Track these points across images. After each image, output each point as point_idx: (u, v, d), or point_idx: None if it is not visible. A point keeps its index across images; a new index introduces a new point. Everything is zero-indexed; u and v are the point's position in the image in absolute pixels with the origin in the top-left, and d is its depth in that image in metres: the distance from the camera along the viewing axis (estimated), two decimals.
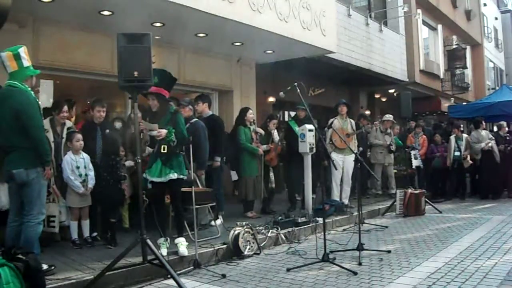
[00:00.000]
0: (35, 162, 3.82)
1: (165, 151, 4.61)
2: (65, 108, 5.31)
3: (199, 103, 6.57)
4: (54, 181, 5.01)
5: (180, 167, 4.71)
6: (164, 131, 4.54)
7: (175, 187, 4.75)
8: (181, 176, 4.71)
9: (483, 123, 10.07)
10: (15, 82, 3.80)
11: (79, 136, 5.10)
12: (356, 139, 7.80)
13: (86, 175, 5.07)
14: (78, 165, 5.01)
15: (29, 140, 3.77)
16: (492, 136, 9.77)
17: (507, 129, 10.12)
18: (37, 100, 3.91)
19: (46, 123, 5.19)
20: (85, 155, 5.13)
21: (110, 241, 5.04)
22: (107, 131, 5.51)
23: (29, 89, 3.86)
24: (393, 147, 9.48)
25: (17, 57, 3.79)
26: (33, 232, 3.83)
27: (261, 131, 7.13)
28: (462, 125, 10.70)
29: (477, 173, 10.09)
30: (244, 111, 7.06)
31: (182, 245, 4.65)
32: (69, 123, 5.43)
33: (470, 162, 9.66)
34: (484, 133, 9.88)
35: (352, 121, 7.83)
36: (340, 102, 7.78)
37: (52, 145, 5.13)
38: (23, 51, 3.83)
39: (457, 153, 9.68)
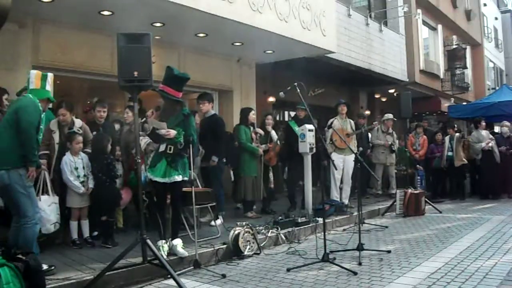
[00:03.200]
0: (18, 163, 3.74)
1: (171, 151, 4.59)
2: (61, 110, 5.18)
3: (205, 103, 6.50)
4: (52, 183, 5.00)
5: (184, 169, 4.69)
6: (173, 132, 4.52)
7: (177, 189, 4.74)
8: (185, 178, 4.71)
9: (483, 123, 10.03)
10: (30, 95, 3.93)
11: (80, 138, 5.07)
12: (355, 139, 7.81)
13: (85, 175, 5.06)
14: (76, 166, 5.00)
15: (14, 139, 3.74)
16: (492, 136, 9.74)
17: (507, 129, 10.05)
18: (42, 114, 4.00)
19: (54, 124, 5.19)
20: (83, 155, 5.12)
21: (107, 241, 5.03)
22: (95, 133, 5.48)
23: (39, 104, 3.94)
24: (394, 147, 9.49)
25: (43, 78, 4.04)
26: (31, 232, 3.81)
27: (261, 131, 7.13)
28: (456, 125, 10.65)
29: (477, 173, 10.09)
30: (247, 111, 7.05)
31: (180, 246, 4.65)
32: (78, 123, 5.35)
33: (464, 161, 9.65)
34: (484, 133, 9.87)
35: (351, 121, 7.84)
36: (340, 102, 7.79)
37: (57, 146, 5.12)
38: (50, 77, 4.11)
39: (450, 153, 9.67)
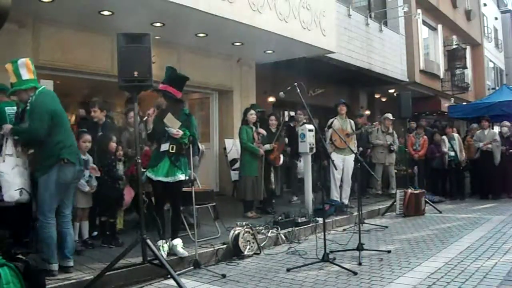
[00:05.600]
0: None
1: (174, 150, 4.59)
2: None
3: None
4: None
5: (185, 168, 4.70)
6: (181, 132, 4.55)
7: (179, 188, 4.75)
8: (186, 177, 4.72)
9: (484, 122, 9.98)
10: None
11: (88, 137, 4.99)
12: (355, 139, 7.81)
13: (90, 176, 5.04)
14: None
15: None
16: (498, 138, 9.62)
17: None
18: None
19: None
20: (87, 154, 5.10)
21: (110, 241, 5.03)
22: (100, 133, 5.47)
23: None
24: (393, 147, 9.49)
25: (15, 67, 3.87)
26: None
27: (263, 131, 7.13)
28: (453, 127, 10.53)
29: (476, 173, 10.09)
30: (246, 111, 7.06)
31: (180, 246, 4.65)
32: None
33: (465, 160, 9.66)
34: (487, 132, 9.82)
35: (351, 121, 7.84)
36: (340, 102, 7.79)
37: None
38: (24, 63, 3.92)
39: (452, 153, 9.65)
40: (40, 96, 3.83)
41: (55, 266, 3.85)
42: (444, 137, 9.78)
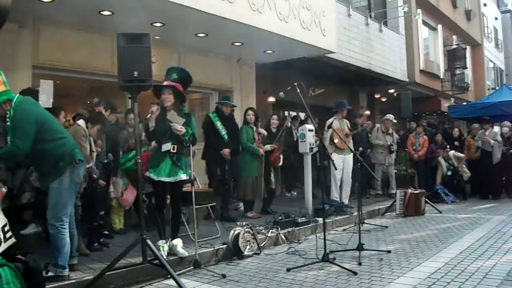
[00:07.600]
0: None
1: (175, 150, 4.60)
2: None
3: None
4: None
5: (186, 167, 4.71)
6: (185, 129, 4.55)
7: (180, 188, 4.76)
8: (187, 177, 4.73)
9: (487, 125, 9.96)
10: None
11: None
12: (351, 138, 7.83)
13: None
14: None
15: None
16: (499, 139, 9.61)
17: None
18: None
19: None
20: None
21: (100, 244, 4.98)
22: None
23: None
24: (393, 148, 9.48)
25: None
26: None
27: (264, 131, 7.13)
28: (447, 147, 10.16)
29: (476, 173, 10.08)
30: (245, 111, 7.07)
31: (180, 246, 4.65)
32: None
33: (468, 174, 9.71)
34: (488, 133, 9.81)
35: (347, 121, 7.89)
36: (346, 107, 7.75)
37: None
38: None
39: (450, 173, 9.65)
40: (19, 107, 3.57)
41: (67, 271, 3.81)
42: (440, 158, 9.72)
